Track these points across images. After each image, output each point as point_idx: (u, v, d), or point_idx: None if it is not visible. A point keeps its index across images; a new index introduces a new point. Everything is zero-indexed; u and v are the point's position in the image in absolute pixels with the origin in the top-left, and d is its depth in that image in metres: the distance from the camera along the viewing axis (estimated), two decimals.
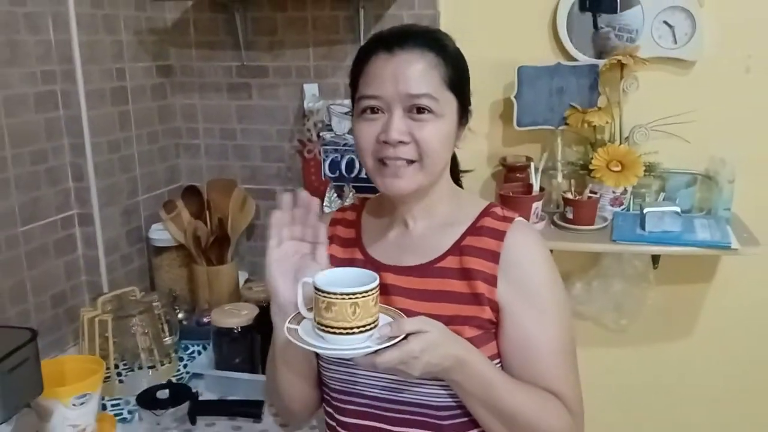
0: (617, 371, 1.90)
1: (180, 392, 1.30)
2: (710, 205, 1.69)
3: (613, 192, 1.67)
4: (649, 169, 1.66)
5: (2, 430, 1.18)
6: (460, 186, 1.18)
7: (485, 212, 1.06)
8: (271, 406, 1.36)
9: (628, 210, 1.71)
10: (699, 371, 1.85)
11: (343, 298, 0.85)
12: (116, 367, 1.56)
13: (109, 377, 1.49)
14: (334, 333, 0.86)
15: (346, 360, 1.01)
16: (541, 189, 1.65)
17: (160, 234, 1.84)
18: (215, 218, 1.84)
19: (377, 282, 0.87)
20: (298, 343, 0.87)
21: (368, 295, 0.85)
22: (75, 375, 1.29)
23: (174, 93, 2.02)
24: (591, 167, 1.63)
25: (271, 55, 1.91)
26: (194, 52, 1.98)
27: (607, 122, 1.64)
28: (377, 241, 1.09)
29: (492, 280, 1.00)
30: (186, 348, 1.70)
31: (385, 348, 0.84)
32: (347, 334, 0.85)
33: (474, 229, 1.04)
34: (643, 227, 1.55)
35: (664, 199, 1.69)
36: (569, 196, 1.63)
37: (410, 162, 0.98)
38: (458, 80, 1.01)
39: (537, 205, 1.61)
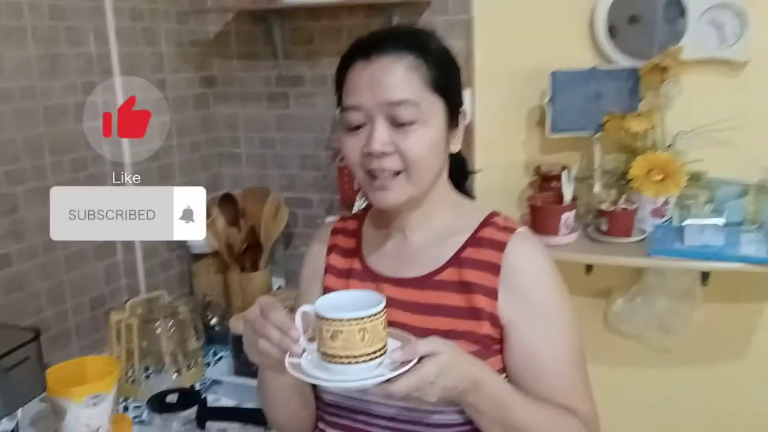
0: (662, 393, 1.78)
1: (189, 397, 1.31)
2: (764, 217, 1.55)
3: (654, 202, 1.56)
4: (694, 178, 1.54)
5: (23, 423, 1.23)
6: (469, 191, 1.14)
7: (486, 222, 1.00)
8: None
9: (672, 222, 1.60)
10: (752, 396, 1.70)
11: (350, 324, 0.77)
12: (146, 369, 1.60)
13: (133, 379, 1.53)
14: (342, 363, 0.78)
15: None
16: (574, 199, 1.57)
17: (197, 241, 1.88)
18: (249, 226, 1.86)
19: (384, 303, 0.80)
20: (306, 378, 0.80)
21: (377, 319, 0.79)
22: (93, 375, 1.33)
23: (216, 103, 2.06)
24: (629, 176, 1.54)
25: (307, 64, 1.92)
26: (236, 63, 2.02)
27: (647, 128, 1.54)
28: (377, 252, 1.06)
29: (492, 294, 0.95)
30: (215, 353, 1.72)
31: (399, 375, 0.77)
32: (356, 363, 0.78)
33: (474, 240, 0.98)
34: (682, 241, 1.44)
35: (712, 211, 1.57)
36: (604, 206, 1.54)
37: (397, 173, 0.93)
38: (444, 80, 0.95)
39: (567, 216, 1.53)
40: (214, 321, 1.79)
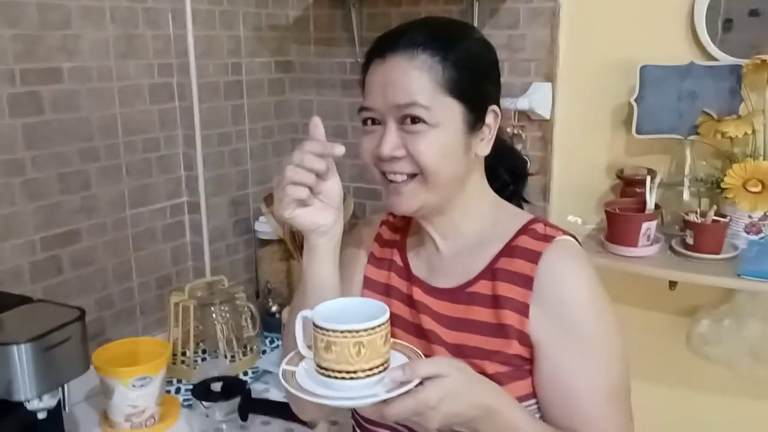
0: (747, 426, 1.61)
1: (234, 387, 1.30)
2: None
3: (750, 216, 1.40)
4: None
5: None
6: (521, 196, 1.05)
7: (524, 230, 0.92)
8: None
9: None
10: None
11: (345, 337, 0.71)
12: (202, 352, 1.61)
13: (187, 362, 1.53)
14: (335, 378, 0.73)
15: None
16: (657, 207, 1.43)
17: (264, 227, 1.87)
18: None
19: (386, 317, 0.74)
20: (292, 390, 0.74)
21: (375, 333, 0.72)
22: (145, 356, 1.34)
23: (292, 89, 2.05)
24: (723, 186, 1.39)
25: None
26: (313, 48, 2.00)
27: (747, 133, 1.38)
28: (415, 254, 1.01)
29: (523, 310, 0.87)
30: (271, 341, 1.71)
31: (395, 396, 0.71)
32: (350, 378, 0.72)
33: (508, 250, 0.91)
34: None
35: None
36: (691, 218, 1.39)
37: (412, 176, 0.87)
38: (464, 81, 0.87)
39: (649, 226, 1.40)
40: (274, 308, 1.78)
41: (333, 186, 0.88)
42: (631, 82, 1.53)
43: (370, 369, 0.73)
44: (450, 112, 0.87)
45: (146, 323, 1.71)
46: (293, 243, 1.81)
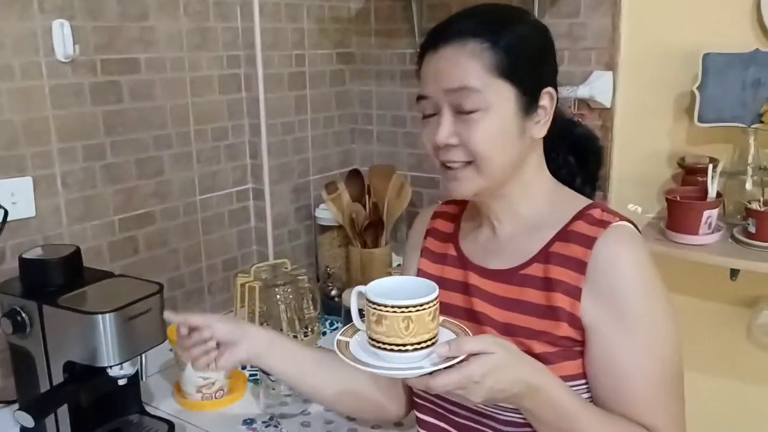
0: None
1: None
2: None
3: None
4: None
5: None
6: (593, 184, 1.06)
7: (580, 214, 0.93)
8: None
9: None
10: None
11: (395, 312, 0.76)
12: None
13: None
14: (385, 349, 0.78)
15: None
16: (719, 195, 1.42)
17: (324, 213, 1.93)
18: (373, 202, 1.88)
19: (435, 294, 0.78)
20: (345, 359, 0.80)
21: (423, 309, 0.77)
22: None
23: (353, 80, 2.10)
24: None
25: None
26: (373, 40, 2.04)
27: None
28: (470, 240, 1.04)
29: (575, 293, 0.89)
30: (331, 324, 1.77)
31: (441, 369, 0.76)
32: (399, 351, 0.77)
33: (563, 234, 0.93)
34: None
35: None
36: (754, 206, 1.38)
37: (467, 163, 0.90)
38: (516, 64, 0.88)
39: (710, 214, 1.39)
40: (333, 292, 1.84)
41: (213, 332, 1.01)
42: (693, 70, 1.51)
43: (419, 343, 0.77)
44: (502, 95, 0.88)
45: (213, 303, 1.79)
46: (352, 229, 1.86)
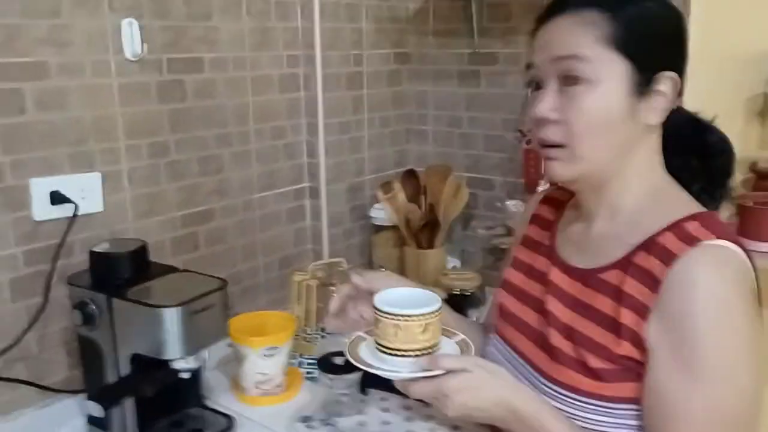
0: None
1: None
2: None
3: None
4: None
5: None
6: (712, 194, 0.94)
7: (675, 225, 0.83)
8: None
9: None
10: None
11: (386, 317, 0.86)
12: (322, 329, 1.69)
13: (308, 338, 1.61)
14: (380, 351, 0.88)
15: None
16: None
17: (379, 213, 1.93)
18: (428, 203, 1.87)
19: (426, 311, 0.85)
20: (347, 355, 0.91)
21: (411, 321, 0.84)
22: (272, 329, 1.42)
23: (410, 80, 2.09)
24: None
25: (502, 41, 1.87)
26: (431, 40, 2.03)
27: None
28: (565, 232, 1.00)
29: (643, 312, 0.81)
30: None
31: (418, 378, 0.84)
32: (389, 354, 0.86)
33: (649, 243, 0.84)
34: None
35: None
36: None
37: (562, 146, 0.85)
38: (634, 38, 0.82)
39: None
40: None
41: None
42: (765, 73, 1.47)
43: (405, 350, 0.85)
44: (614, 69, 0.82)
45: (269, 300, 1.81)
46: (407, 230, 1.85)
